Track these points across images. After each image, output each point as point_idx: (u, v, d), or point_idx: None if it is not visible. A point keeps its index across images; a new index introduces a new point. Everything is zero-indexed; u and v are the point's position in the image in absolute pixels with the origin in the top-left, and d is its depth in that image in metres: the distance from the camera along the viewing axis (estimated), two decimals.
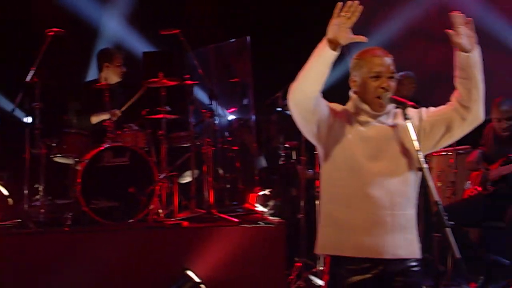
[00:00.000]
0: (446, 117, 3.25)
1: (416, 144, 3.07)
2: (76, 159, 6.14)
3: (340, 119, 3.27)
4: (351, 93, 3.38)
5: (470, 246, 5.75)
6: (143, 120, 6.61)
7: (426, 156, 6.57)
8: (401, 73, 7.03)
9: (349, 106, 3.35)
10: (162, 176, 6.26)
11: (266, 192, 6.97)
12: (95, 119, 6.55)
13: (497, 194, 5.70)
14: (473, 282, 5.59)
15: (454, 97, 3.26)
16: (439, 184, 6.44)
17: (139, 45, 8.19)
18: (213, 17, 8.57)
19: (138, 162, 6.07)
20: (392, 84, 3.26)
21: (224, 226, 5.95)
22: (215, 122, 7.29)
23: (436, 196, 2.88)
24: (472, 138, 6.11)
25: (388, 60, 3.27)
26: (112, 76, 6.73)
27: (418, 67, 7.52)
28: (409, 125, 3.12)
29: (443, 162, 6.45)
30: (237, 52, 7.91)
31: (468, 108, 3.20)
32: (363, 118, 3.28)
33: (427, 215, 5.95)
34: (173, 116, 6.57)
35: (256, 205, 6.89)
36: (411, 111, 3.21)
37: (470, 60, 3.11)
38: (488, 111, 5.83)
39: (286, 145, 7.33)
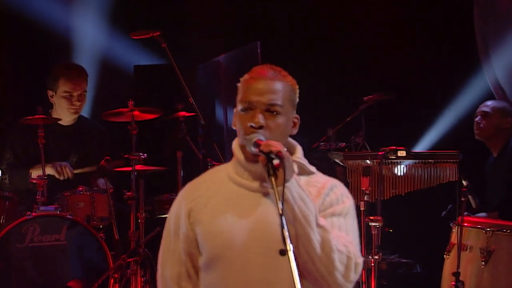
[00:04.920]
0: None
1: (279, 208, 2.08)
2: None
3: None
4: None
5: None
6: (102, 173, 4.45)
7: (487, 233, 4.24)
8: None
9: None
10: (121, 261, 4.21)
11: None
12: (34, 174, 4.39)
13: None
14: None
15: None
16: None
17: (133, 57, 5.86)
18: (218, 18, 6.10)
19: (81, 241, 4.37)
20: (272, 122, 2.26)
21: None
22: None
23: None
24: None
25: (271, 84, 2.27)
26: (63, 113, 4.67)
27: None
28: (274, 185, 2.10)
29: None
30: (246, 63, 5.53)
31: None
32: (237, 175, 2.33)
33: None
34: (152, 168, 4.55)
35: None
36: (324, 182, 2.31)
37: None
38: None
39: None
